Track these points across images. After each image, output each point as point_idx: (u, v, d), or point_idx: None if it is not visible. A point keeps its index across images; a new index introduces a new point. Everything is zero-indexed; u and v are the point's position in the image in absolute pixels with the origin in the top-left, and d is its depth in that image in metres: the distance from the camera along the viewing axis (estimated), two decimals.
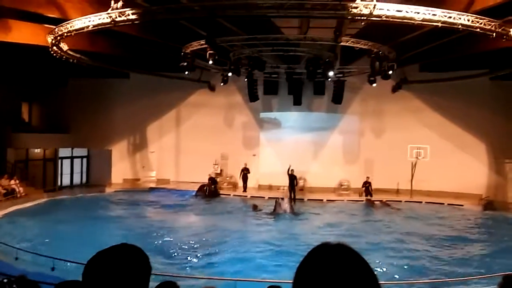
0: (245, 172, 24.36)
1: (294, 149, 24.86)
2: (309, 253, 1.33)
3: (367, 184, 23.58)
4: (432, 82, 23.23)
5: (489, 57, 19.16)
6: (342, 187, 25.21)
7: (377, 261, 11.57)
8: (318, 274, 1.25)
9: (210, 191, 23.61)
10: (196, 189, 23.95)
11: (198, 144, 25.80)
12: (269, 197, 22.52)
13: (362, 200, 22.95)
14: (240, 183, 24.81)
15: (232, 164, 25.67)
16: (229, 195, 24.11)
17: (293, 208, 19.81)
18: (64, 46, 16.57)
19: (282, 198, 20.17)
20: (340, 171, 25.25)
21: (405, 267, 12.07)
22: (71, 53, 17.54)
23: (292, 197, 21.73)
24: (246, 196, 23.66)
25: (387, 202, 22.08)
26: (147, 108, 26.33)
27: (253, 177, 24.85)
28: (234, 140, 26.04)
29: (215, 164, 25.62)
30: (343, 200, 23.35)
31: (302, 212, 19.95)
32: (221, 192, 24.38)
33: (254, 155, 25.98)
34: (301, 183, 24.28)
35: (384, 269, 11.40)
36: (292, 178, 22.29)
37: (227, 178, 26.16)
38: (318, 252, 1.31)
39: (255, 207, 20.33)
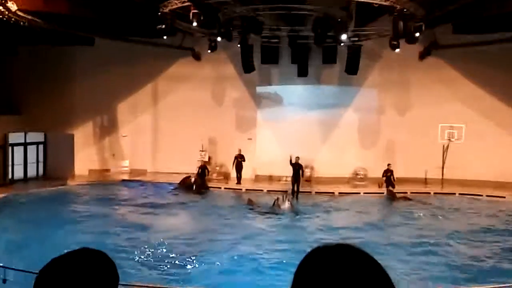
0: (239, 160, 24.28)
1: (299, 131, 24.87)
2: (305, 257, 1.35)
3: (388, 173, 23.31)
4: (468, 47, 23.18)
5: None
6: (358, 176, 25.16)
7: (402, 270, 11.72)
8: (318, 279, 1.27)
9: (197, 183, 23.44)
10: (178, 182, 23.96)
11: (181, 126, 25.89)
12: (268, 190, 22.73)
13: (383, 193, 22.95)
14: (233, 174, 24.82)
15: (223, 150, 25.67)
16: (220, 188, 24.16)
17: (293, 205, 19.98)
18: (12, 6, 16.39)
19: (285, 195, 20.38)
20: (355, 157, 25.21)
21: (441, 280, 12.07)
22: (21, 14, 17.32)
23: (295, 190, 21.93)
24: (240, 189, 23.72)
25: (407, 196, 22.31)
26: (117, 83, 26.16)
27: (248, 166, 24.84)
28: (225, 121, 26.05)
29: (202, 151, 25.50)
30: (358, 193, 23.29)
31: (305, 209, 19.96)
32: (209, 184, 24.37)
33: (249, 139, 25.95)
34: (307, 172, 24.35)
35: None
36: (297, 167, 22.25)
37: (217, 168, 26.16)
38: (316, 255, 1.32)
39: (250, 202, 20.54)
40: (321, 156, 25.32)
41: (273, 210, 19.30)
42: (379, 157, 24.70)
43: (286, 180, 23.39)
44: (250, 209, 20.01)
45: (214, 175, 25.75)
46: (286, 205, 19.60)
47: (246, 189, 23.56)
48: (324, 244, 1.35)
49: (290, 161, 21.84)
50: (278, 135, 25.62)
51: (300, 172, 22.37)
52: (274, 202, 19.50)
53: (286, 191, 21.29)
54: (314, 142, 25.26)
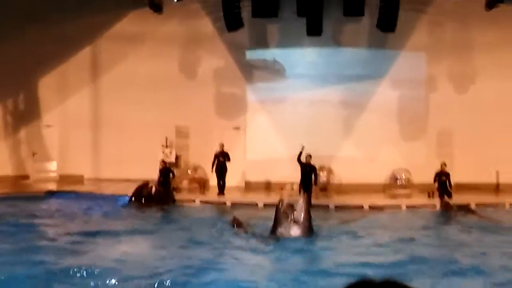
0: (221, 160, 21.84)
1: (309, 117, 23.30)
2: None
3: (443, 177, 20.93)
4: None
5: None
6: (398, 183, 22.92)
7: None
8: None
9: (158, 195, 20.79)
10: (132, 193, 21.11)
11: (134, 111, 24.16)
12: (265, 204, 19.98)
13: (435, 205, 20.57)
14: (213, 180, 22.39)
15: (198, 146, 23.93)
16: (193, 201, 21.32)
17: (306, 228, 16.19)
18: None
19: (292, 207, 16.36)
20: (394, 154, 23.18)
21: None
22: None
23: (305, 201, 18.32)
24: (223, 203, 21.04)
25: (470, 209, 20.21)
26: (38, 47, 24.16)
27: (235, 169, 22.58)
28: (200, 103, 24.18)
29: (166, 147, 23.42)
30: (399, 206, 20.59)
31: (321, 233, 16.76)
32: (177, 196, 21.74)
33: (236, 128, 24.10)
34: (323, 177, 22.48)
35: None
36: (308, 169, 20.16)
37: (189, 172, 23.91)
38: None
39: (236, 223, 17.27)
40: (343, 154, 23.26)
41: (274, 234, 15.87)
42: (428, 154, 23.16)
43: (292, 189, 20.75)
44: (236, 229, 17.02)
45: (185, 183, 23.57)
46: (294, 228, 15.65)
47: (232, 203, 20.83)
48: (365, 279, 1.38)
49: (299, 157, 19.64)
50: (279, 122, 23.71)
51: (312, 176, 20.19)
52: (277, 219, 16.05)
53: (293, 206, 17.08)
54: (332, 133, 23.36)
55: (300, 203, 15.91)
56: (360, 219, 19.23)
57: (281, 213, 15.60)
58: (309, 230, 15.88)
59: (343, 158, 23.50)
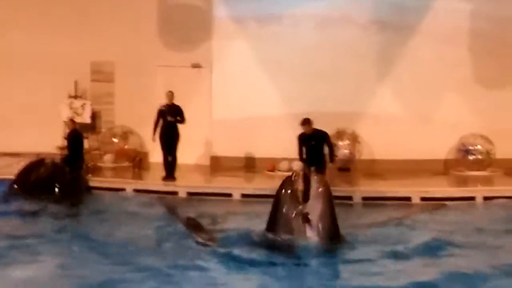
0: (169, 119, 16.55)
1: (320, 46, 17.91)
2: None
3: None
4: None
5: None
6: (470, 157, 17.70)
7: None
8: None
9: (59, 176, 16.01)
10: (15, 177, 16.34)
11: (20, 39, 19.15)
12: (243, 195, 15.82)
13: None
14: (158, 155, 17.28)
15: (129, 96, 18.93)
16: (123, 189, 16.49)
17: (326, 232, 11.25)
18: None
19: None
20: (464, 111, 17.88)
21: None
22: None
23: (324, 186, 13.45)
24: (173, 192, 16.30)
25: None
26: None
27: (195, 135, 17.57)
28: (133, 22, 18.79)
29: (75, 98, 19.04)
30: (472, 197, 15.66)
31: (349, 240, 11.82)
32: (95, 179, 17.14)
33: (196, 66, 19.03)
34: (345, 149, 17.69)
35: None
36: (313, 141, 15.17)
37: (114, 140, 19.15)
38: None
39: (193, 227, 12.64)
40: (376, 111, 17.73)
41: (279, 245, 10.85)
42: None
43: (291, 170, 14.60)
44: (201, 242, 11.62)
45: (108, 158, 18.79)
46: (312, 228, 10.83)
47: (190, 193, 15.95)
48: None
49: (304, 123, 14.99)
50: (267, 57, 18.12)
51: (325, 150, 15.36)
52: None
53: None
54: (358, 76, 17.77)
55: (316, 188, 11.04)
56: (405, 218, 13.52)
57: (289, 198, 10.94)
58: (331, 235, 11.12)
59: (376, 118, 17.44)
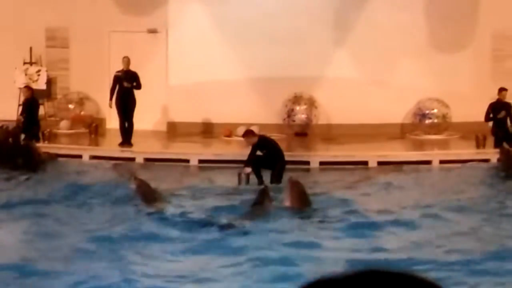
0: (125, 85, 16.95)
1: (276, 9, 18.45)
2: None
3: (502, 111, 17.44)
4: None
5: None
6: (427, 121, 18.77)
7: None
8: None
9: (13, 142, 16.82)
10: None
11: None
12: (200, 161, 16.65)
13: (488, 159, 16.69)
14: (114, 121, 18.16)
15: (84, 61, 19.09)
16: (79, 156, 17.32)
17: (300, 197, 12.72)
18: None
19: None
20: (421, 75, 18.60)
21: None
22: None
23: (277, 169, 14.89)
24: (130, 158, 17.06)
25: None
26: None
27: (151, 101, 18.24)
28: None
29: (30, 64, 19.35)
30: (428, 161, 16.70)
31: (314, 204, 13.01)
32: (53, 146, 17.75)
33: (152, 32, 19.47)
34: (302, 113, 18.42)
35: None
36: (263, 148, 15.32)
37: (70, 106, 19.70)
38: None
39: (142, 190, 13.34)
40: (333, 75, 18.20)
41: (258, 204, 12.33)
42: (478, 74, 18.67)
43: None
44: (150, 205, 12.84)
45: (64, 124, 19.19)
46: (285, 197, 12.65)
47: (146, 159, 16.78)
48: (374, 268, 1.13)
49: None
50: (224, 19, 18.67)
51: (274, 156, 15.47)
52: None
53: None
54: (315, 39, 18.30)
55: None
56: (362, 181, 15.00)
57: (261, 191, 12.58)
58: (301, 200, 12.89)
59: (333, 82, 17.86)
